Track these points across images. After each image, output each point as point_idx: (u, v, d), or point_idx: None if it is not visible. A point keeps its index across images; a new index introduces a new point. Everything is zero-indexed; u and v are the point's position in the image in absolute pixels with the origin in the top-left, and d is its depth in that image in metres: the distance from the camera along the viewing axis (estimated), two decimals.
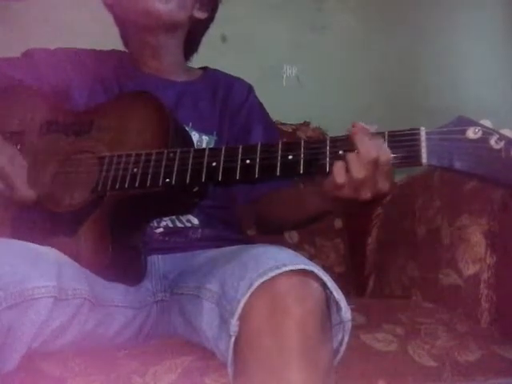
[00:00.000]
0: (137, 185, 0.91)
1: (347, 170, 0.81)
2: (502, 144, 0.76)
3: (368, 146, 0.80)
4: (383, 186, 0.81)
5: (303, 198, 1.02)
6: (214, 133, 1.16)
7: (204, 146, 1.13)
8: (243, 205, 1.20)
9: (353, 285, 1.49)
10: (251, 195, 1.16)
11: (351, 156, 0.81)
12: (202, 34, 1.27)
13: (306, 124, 1.67)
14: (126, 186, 0.92)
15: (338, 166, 0.81)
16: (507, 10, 2.07)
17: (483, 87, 1.98)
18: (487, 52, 2.04)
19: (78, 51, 1.19)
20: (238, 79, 1.26)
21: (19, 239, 0.84)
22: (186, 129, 1.07)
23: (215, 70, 1.28)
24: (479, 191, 1.13)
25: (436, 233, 1.21)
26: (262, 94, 1.28)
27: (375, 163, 0.80)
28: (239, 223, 1.23)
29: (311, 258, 1.45)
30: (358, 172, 0.80)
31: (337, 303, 0.81)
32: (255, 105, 1.25)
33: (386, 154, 0.80)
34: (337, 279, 0.82)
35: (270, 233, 1.26)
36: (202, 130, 1.14)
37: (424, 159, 0.79)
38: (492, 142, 0.77)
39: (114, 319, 0.94)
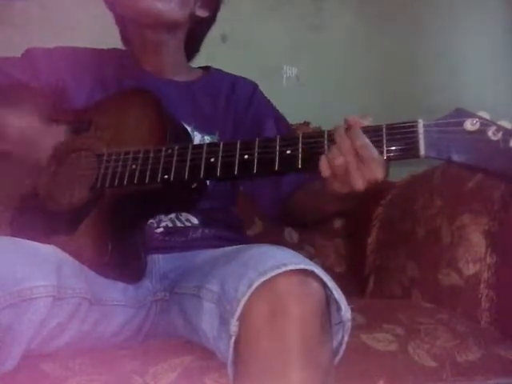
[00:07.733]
0: (135, 181, 0.91)
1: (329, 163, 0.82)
2: (499, 135, 0.76)
3: (342, 136, 0.81)
4: (370, 172, 0.80)
5: (320, 196, 1.00)
6: (217, 133, 1.15)
7: None
8: (274, 217, 1.21)
9: (353, 285, 1.49)
10: (278, 203, 1.16)
11: (330, 148, 0.82)
12: (204, 34, 1.26)
13: (306, 124, 1.67)
14: (125, 182, 0.92)
15: (322, 161, 0.82)
16: (507, 10, 2.07)
17: (483, 87, 1.98)
18: (487, 52, 2.04)
19: (77, 50, 1.19)
20: (243, 78, 1.26)
21: (19, 238, 0.84)
22: (188, 128, 1.06)
23: (218, 69, 1.27)
24: (479, 191, 1.13)
25: (436, 233, 1.21)
26: None
27: (352, 149, 0.80)
28: (239, 223, 1.23)
29: (311, 258, 1.45)
30: (336, 159, 0.80)
31: (337, 303, 0.81)
32: (262, 102, 1.24)
33: (359, 138, 0.80)
34: (337, 279, 0.82)
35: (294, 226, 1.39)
36: (204, 131, 1.14)
37: (422, 151, 0.79)
38: (490, 133, 0.76)
39: (113, 318, 0.94)
